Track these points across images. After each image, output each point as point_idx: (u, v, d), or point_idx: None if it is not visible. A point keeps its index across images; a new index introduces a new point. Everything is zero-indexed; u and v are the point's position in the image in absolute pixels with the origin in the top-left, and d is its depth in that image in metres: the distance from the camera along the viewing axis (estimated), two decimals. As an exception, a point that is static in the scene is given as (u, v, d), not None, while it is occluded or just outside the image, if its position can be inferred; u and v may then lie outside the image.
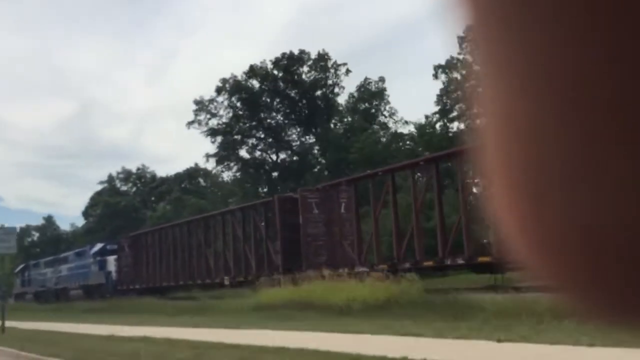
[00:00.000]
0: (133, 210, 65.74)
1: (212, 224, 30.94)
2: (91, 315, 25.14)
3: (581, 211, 0.29)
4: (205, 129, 50.95)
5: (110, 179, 74.47)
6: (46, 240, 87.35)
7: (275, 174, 48.84)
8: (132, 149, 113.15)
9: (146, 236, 37.67)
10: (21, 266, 60.72)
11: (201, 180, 64.39)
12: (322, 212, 24.33)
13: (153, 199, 66.31)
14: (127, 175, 73.83)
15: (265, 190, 47.27)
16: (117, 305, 27.83)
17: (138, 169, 72.07)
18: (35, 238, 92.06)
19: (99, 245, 42.29)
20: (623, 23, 0.26)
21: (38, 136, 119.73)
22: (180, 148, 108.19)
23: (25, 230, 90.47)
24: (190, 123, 52.08)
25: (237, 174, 51.25)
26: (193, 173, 64.52)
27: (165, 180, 67.49)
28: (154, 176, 70.36)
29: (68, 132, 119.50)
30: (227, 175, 53.24)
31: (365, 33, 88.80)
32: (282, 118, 51.21)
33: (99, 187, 75.73)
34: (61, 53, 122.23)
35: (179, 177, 65.18)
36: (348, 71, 51.17)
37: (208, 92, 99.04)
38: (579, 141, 0.28)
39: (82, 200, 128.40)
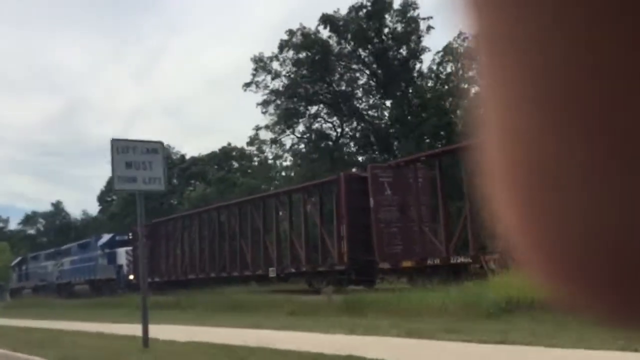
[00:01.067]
0: (162, 194, 60.18)
1: (248, 209, 26.71)
2: (173, 314, 18.23)
3: (581, 212, 0.30)
4: (264, 92, 43.91)
5: None
6: (55, 229, 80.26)
7: (347, 149, 42.32)
8: None
9: (167, 224, 33.83)
10: (18, 259, 57.09)
11: (234, 163, 58.49)
12: (396, 193, 20.09)
13: (176, 182, 59.99)
14: None
15: (318, 165, 40.34)
16: (188, 301, 21.56)
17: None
18: (41, 227, 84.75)
19: (106, 237, 38.43)
20: (623, 32, 0.27)
21: (25, 133, 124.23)
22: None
23: (31, 218, 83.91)
24: (247, 85, 44.28)
25: (301, 146, 44.45)
26: (229, 152, 58.73)
27: (197, 160, 61.39)
28: (183, 156, 63.68)
29: (55, 130, 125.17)
30: (282, 149, 45.90)
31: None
32: (350, 84, 44.11)
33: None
34: (48, 50, 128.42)
35: (214, 157, 58.93)
36: (430, 28, 42.62)
37: (194, 91, 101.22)
38: (578, 144, 0.29)
39: (70, 197, 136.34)
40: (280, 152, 46.53)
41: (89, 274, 39.81)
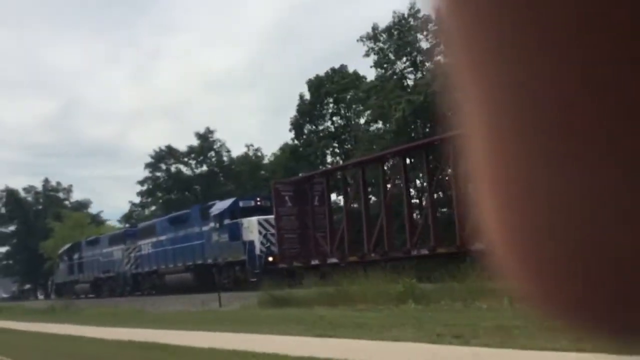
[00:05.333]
0: None
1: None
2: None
3: (566, 224, 0.31)
4: None
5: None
6: (205, 175, 55.79)
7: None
8: (118, 148, 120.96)
9: (328, 177, 22.76)
10: (67, 246, 45.88)
11: None
12: None
13: None
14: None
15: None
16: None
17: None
18: (163, 176, 58.18)
19: (222, 204, 27.91)
20: (611, 45, 0.28)
21: (21, 134, 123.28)
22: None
23: (162, 157, 57.89)
24: None
25: None
26: None
27: None
28: None
29: (52, 130, 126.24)
30: None
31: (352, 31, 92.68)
32: None
33: None
34: (44, 50, 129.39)
35: None
36: None
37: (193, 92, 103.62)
38: (563, 157, 0.30)
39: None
40: None
41: (193, 256, 29.12)
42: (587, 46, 0.28)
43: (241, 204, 27.34)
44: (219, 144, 56.65)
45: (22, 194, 73.63)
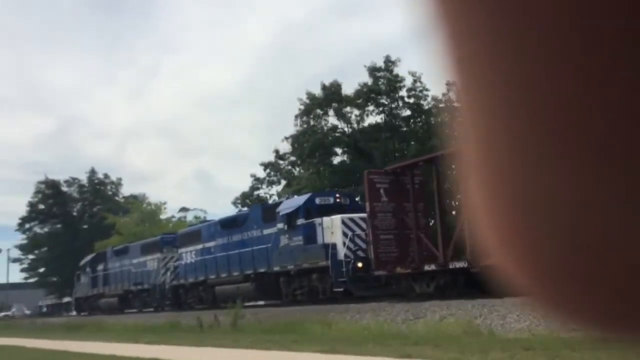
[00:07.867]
0: None
1: None
2: None
3: (561, 230, 0.31)
4: None
5: None
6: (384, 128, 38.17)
7: None
8: (116, 166, 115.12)
9: (438, 165, 18.86)
10: (89, 257, 41.71)
11: None
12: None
13: None
14: None
15: None
16: None
17: None
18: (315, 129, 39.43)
19: (292, 201, 23.98)
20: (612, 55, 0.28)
21: (18, 152, 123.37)
22: (164, 166, 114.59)
23: (327, 100, 39.13)
24: None
25: None
26: None
27: None
28: None
29: (49, 149, 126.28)
30: None
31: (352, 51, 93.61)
32: None
33: None
34: (39, 69, 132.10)
35: None
36: None
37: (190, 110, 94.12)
38: (560, 168, 0.30)
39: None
40: None
41: (254, 264, 24.91)
42: (586, 50, 0.28)
43: (318, 200, 23.25)
44: (403, 81, 37.85)
45: (64, 187, 62.73)
